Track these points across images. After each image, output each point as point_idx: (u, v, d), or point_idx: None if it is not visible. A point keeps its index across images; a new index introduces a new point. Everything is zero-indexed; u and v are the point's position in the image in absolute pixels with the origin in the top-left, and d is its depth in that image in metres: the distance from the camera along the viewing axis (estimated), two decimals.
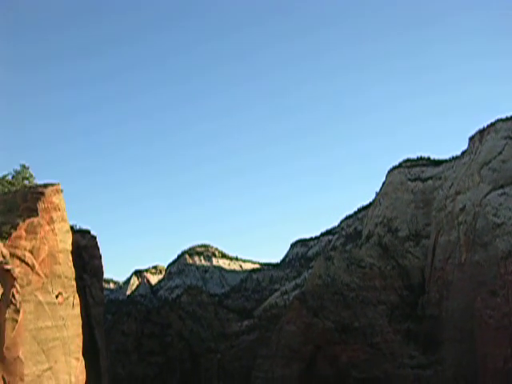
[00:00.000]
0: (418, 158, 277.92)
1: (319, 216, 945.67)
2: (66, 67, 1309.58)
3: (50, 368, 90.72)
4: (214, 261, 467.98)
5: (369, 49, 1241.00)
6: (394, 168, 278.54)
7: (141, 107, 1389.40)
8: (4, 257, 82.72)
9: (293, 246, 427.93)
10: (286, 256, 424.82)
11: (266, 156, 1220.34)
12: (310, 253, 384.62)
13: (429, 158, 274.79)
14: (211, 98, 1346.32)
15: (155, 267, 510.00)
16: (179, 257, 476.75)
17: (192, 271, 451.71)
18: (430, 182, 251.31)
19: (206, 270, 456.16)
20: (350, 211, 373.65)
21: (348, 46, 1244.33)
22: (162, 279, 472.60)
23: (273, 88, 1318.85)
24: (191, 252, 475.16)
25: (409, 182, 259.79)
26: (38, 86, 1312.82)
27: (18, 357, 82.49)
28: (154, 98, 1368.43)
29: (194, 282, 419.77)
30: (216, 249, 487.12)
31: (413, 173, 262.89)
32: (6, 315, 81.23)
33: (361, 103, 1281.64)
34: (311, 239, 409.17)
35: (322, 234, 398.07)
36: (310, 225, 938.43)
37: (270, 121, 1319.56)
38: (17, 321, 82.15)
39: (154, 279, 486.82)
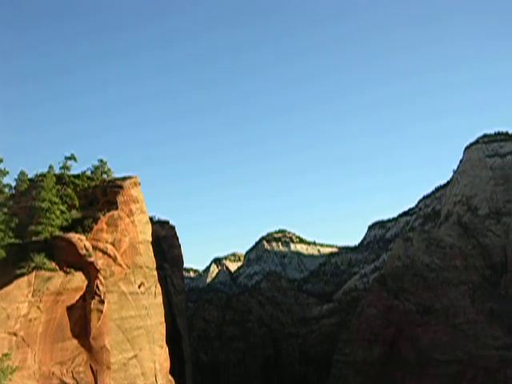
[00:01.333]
0: (495, 133, 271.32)
1: (396, 197, 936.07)
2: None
3: (135, 356, 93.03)
4: (292, 246, 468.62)
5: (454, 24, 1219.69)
6: (472, 144, 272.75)
7: (218, 98, 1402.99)
8: (87, 250, 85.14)
9: (370, 228, 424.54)
10: (364, 239, 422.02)
11: (348, 148, 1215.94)
12: (388, 234, 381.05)
13: (507, 133, 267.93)
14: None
15: (234, 254, 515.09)
16: (257, 243, 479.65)
17: (270, 257, 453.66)
18: (509, 157, 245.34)
19: (284, 255, 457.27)
20: (428, 191, 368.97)
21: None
22: (241, 266, 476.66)
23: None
24: (269, 238, 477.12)
25: (487, 159, 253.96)
26: (112, 77, 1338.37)
27: (105, 346, 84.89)
28: (237, 87, 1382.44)
29: (273, 268, 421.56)
30: (293, 234, 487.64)
31: (491, 148, 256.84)
32: (91, 306, 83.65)
33: (438, 80, 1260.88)
34: (389, 221, 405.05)
35: (400, 215, 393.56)
36: (387, 206, 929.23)
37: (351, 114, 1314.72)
38: (102, 311, 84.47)
39: (233, 266, 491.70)
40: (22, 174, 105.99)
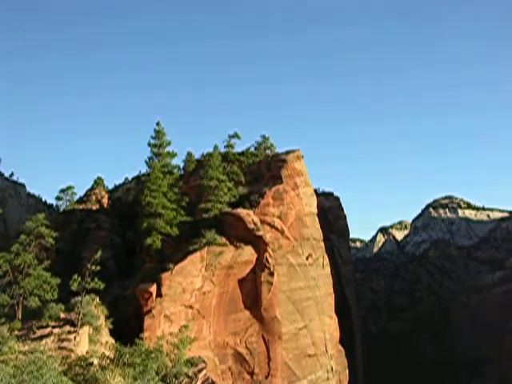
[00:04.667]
0: None
1: None
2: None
3: (305, 326, 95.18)
4: (460, 212, 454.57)
5: None
6: None
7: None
8: (255, 224, 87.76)
9: None
10: None
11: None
12: None
13: None
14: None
15: (400, 223, 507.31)
16: (423, 211, 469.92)
17: (438, 224, 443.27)
18: None
19: (451, 222, 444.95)
20: None
21: None
22: (408, 234, 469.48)
23: None
24: (435, 205, 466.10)
25: None
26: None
27: (275, 317, 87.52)
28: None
29: (441, 236, 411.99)
30: (461, 199, 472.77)
31: None
32: (262, 278, 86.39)
33: None
34: None
35: None
36: None
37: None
38: (272, 283, 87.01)
39: (399, 235, 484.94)
40: (190, 154, 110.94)
